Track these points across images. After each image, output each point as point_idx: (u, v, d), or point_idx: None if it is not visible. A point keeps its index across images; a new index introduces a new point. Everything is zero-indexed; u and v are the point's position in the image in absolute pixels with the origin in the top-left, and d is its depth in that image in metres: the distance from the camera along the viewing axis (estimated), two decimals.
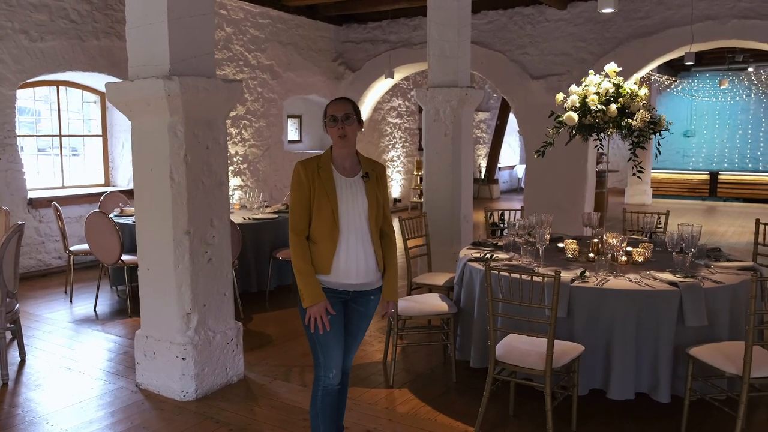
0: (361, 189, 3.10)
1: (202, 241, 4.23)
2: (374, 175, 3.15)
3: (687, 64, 13.48)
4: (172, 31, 4.00)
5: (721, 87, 14.27)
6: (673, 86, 16.59)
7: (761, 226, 5.34)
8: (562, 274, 3.91)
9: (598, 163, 11.35)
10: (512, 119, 18.65)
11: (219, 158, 4.33)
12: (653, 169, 16.10)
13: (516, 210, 6.30)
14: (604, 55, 9.71)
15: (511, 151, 20.70)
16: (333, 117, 3.05)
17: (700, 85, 17.39)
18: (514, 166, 20.70)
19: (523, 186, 20.02)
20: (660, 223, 5.84)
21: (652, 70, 12.09)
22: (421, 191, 14.58)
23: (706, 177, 17.18)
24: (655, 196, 16.46)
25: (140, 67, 4.14)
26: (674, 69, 16.31)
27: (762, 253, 5.33)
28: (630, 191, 16.02)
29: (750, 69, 15.06)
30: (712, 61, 14.30)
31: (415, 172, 14.89)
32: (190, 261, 4.16)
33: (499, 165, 18.67)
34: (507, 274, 3.59)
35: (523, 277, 3.52)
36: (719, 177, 17.08)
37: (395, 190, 14.85)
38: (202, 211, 4.23)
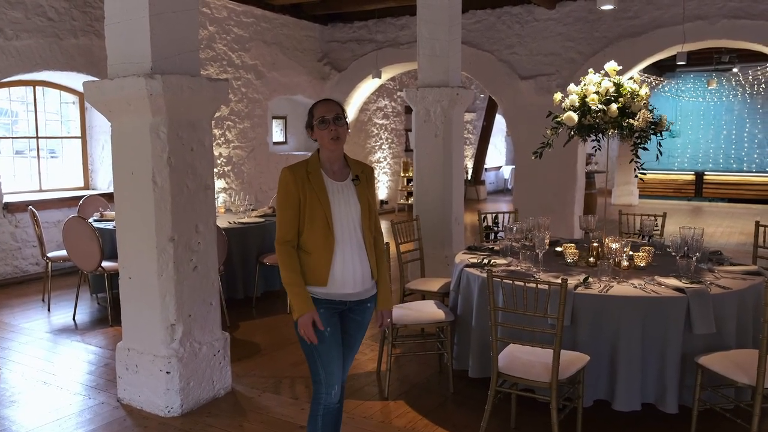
0: (353, 193, 2.94)
1: (186, 248, 4.02)
2: (364, 177, 3.00)
3: (676, 63, 13.44)
4: (154, 27, 3.79)
5: (710, 87, 14.25)
6: (659, 87, 16.57)
7: (761, 229, 5.21)
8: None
9: (586, 164, 11.26)
10: (498, 120, 18.56)
11: (204, 161, 4.13)
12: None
13: (506, 213, 6.14)
14: (593, 55, 9.62)
15: (497, 152, 20.60)
16: (323, 119, 2.87)
17: (688, 86, 17.41)
18: (500, 167, 20.61)
19: (509, 187, 19.96)
20: (657, 226, 5.71)
21: (640, 71, 12.02)
22: (409, 193, 14.46)
23: (692, 177, 17.19)
24: (641, 196, 16.42)
25: (120, 65, 3.93)
26: (660, 69, 16.28)
27: (762, 256, 5.20)
28: (617, 192, 15.98)
29: (735, 69, 15.06)
30: (697, 61, 14.26)
31: (402, 174, 14.73)
32: (175, 269, 3.95)
33: (485, 166, 18.55)
34: (510, 282, 3.42)
35: (528, 284, 3.35)
36: (705, 177, 17.10)
37: (382, 191, 14.66)
38: (187, 216, 4.02)
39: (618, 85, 4.38)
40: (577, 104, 4.41)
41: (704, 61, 13.84)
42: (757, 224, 5.24)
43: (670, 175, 17.44)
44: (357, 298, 2.95)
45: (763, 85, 16.08)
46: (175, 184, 3.92)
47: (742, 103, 17.07)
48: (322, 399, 2.92)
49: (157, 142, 3.86)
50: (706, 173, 17.20)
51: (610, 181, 17.68)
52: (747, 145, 17.30)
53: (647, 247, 4.47)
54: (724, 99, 17.11)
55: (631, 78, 4.52)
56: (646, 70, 14.38)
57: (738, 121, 17.29)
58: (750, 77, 15.41)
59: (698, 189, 17.09)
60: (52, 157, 9.01)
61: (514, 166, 19.59)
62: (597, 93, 4.36)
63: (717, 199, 16.78)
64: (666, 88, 17.10)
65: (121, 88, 3.80)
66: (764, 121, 17.03)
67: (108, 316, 6.01)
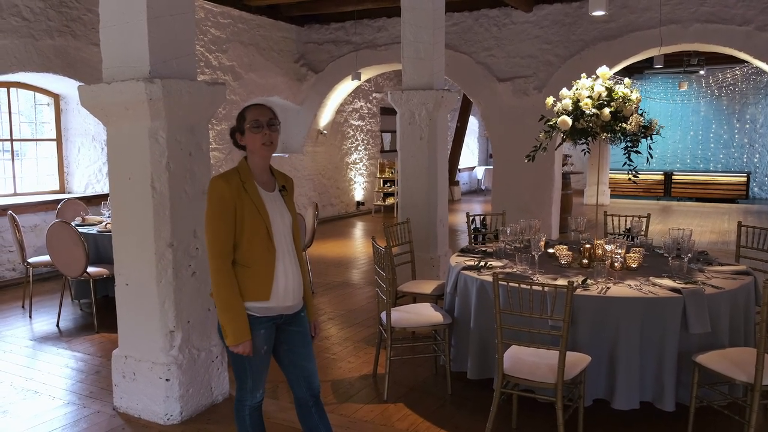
0: (283, 203, 2.90)
1: (185, 253, 3.98)
2: (289, 187, 2.99)
3: (644, 66, 13.70)
4: (152, 31, 3.75)
5: (681, 90, 14.61)
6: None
7: (743, 229, 5.35)
8: (560, 282, 3.83)
9: (563, 165, 11.43)
10: (471, 121, 18.69)
11: (202, 165, 4.09)
12: (611, 170, 16.35)
13: (494, 215, 6.20)
14: (570, 58, 9.77)
15: (470, 153, 20.76)
16: (256, 122, 2.75)
17: (658, 88, 17.79)
18: (473, 167, 20.76)
19: (483, 187, 20.14)
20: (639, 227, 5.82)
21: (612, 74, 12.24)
22: (385, 194, 14.48)
23: (660, 177, 17.55)
24: (612, 196, 16.71)
25: (116, 68, 3.87)
26: (628, 72, 16.60)
27: (744, 255, 5.35)
28: (589, 192, 16.22)
29: (702, 72, 15.43)
30: (665, 64, 14.60)
31: (378, 175, 14.74)
32: (174, 275, 3.90)
33: (459, 167, 18.66)
34: (517, 285, 3.46)
35: (535, 287, 3.40)
36: (673, 177, 17.49)
37: (358, 193, 14.66)
38: (186, 221, 3.97)
39: (610, 90, 4.46)
40: (571, 108, 4.48)
41: (673, 63, 14.16)
42: (740, 224, 5.39)
43: (640, 175, 17.79)
44: (294, 310, 2.93)
45: (730, 87, 16.50)
46: (174, 189, 3.88)
47: (708, 104, 17.53)
48: (247, 401, 2.95)
49: (155, 147, 3.81)
50: (674, 173, 17.59)
51: (580, 182, 17.96)
52: (713, 146, 17.76)
53: (638, 248, 4.56)
54: (693, 101, 17.54)
55: (626, 86, 4.60)
56: (615, 73, 14.66)
57: (704, 123, 17.75)
58: (719, 79, 15.79)
59: (667, 189, 17.47)
60: (17, 159, 8.78)
61: (487, 167, 19.83)
62: (590, 97, 4.43)
63: (685, 198, 17.18)
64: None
65: (120, 93, 3.74)
66: (729, 123, 17.50)
67: (93, 323, 5.90)
